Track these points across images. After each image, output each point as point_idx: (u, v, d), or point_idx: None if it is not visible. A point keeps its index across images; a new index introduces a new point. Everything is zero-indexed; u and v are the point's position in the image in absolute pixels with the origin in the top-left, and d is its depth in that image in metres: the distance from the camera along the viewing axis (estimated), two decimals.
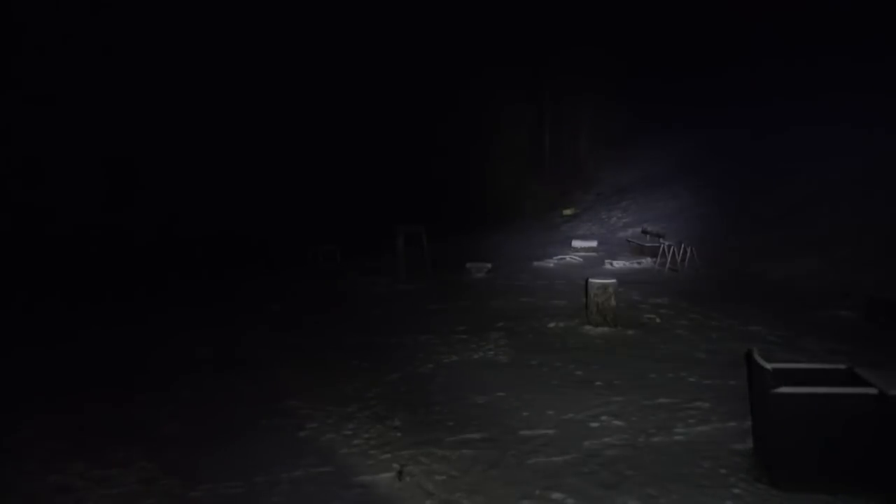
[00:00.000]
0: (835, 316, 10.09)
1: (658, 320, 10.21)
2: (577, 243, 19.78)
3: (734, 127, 23.07)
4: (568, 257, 18.27)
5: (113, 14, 20.16)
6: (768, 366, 4.66)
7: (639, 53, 26.28)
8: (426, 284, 15.01)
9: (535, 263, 17.63)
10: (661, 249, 16.09)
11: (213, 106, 22.07)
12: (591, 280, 10.11)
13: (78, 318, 12.69)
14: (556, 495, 4.62)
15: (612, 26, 26.74)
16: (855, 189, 15.84)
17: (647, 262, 16.72)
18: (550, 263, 17.65)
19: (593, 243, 19.73)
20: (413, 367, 8.10)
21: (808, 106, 19.40)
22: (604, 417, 6.09)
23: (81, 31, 19.46)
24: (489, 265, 16.51)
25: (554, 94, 29.73)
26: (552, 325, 10.08)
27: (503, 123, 29.29)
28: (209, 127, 21.92)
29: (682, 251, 15.66)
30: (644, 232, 19.02)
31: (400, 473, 5.06)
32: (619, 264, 16.65)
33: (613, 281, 10.04)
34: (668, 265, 15.61)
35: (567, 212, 25.91)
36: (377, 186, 25.27)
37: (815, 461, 4.44)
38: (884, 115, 16.66)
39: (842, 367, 4.86)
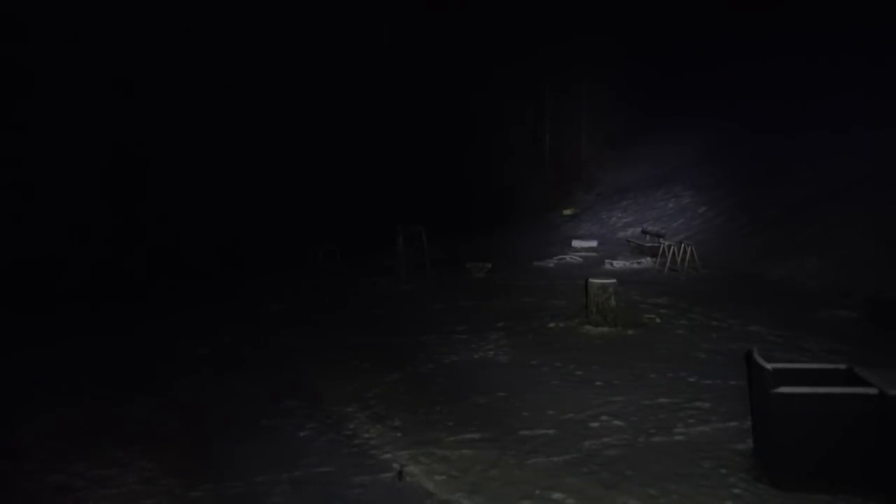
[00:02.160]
0: (835, 316, 10.09)
1: (658, 320, 10.21)
2: (577, 243, 19.78)
3: (734, 128, 23.07)
4: (568, 257, 18.27)
5: (113, 14, 20.16)
6: (768, 366, 4.66)
7: (639, 52, 26.26)
8: (426, 284, 15.01)
9: (535, 263, 17.63)
10: (661, 249, 16.08)
11: (214, 106, 22.08)
12: (591, 280, 10.10)
13: (77, 318, 12.69)
14: (556, 495, 4.62)
15: (613, 23, 26.72)
16: (855, 189, 15.84)
17: (647, 262, 16.72)
18: (550, 263, 17.64)
19: (593, 243, 19.73)
20: (413, 367, 8.10)
21: (808, 107, 19.40)
22: (604, 417, 6.09)
23: (81, 30, 19.47)
24: (489, 265, 16.51)
25: (554, 94, 29.73)
26: (552, 325, 10.08)
27: (503, 123, 29.29)
28: (210, 127, 21.92)
29: (682, 251, 15.65)
30: (644, 232, 19.02)
31: (400, 473, 5.06)
32: (619, 264, 16.64)
33: (613, 281, 10.04)
34: (668, 265, 15.61)
35: (567, 212, 25.91)
36: (377, 186, 25.27)
37: (815, 461, 4.44)
38: (885, 117, 16.66)
39: (842, 367, 4.86)
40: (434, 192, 25.33)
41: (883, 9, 18.17)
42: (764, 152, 20.77)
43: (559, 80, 29.16)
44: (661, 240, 16.55)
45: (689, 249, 15.63)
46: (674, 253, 15.68)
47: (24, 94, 18.03)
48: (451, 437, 5.75)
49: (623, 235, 20.77)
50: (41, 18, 18.80)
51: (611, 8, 26.71)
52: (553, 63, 28.58)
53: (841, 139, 17.93)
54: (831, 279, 12.20)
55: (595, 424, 5.93)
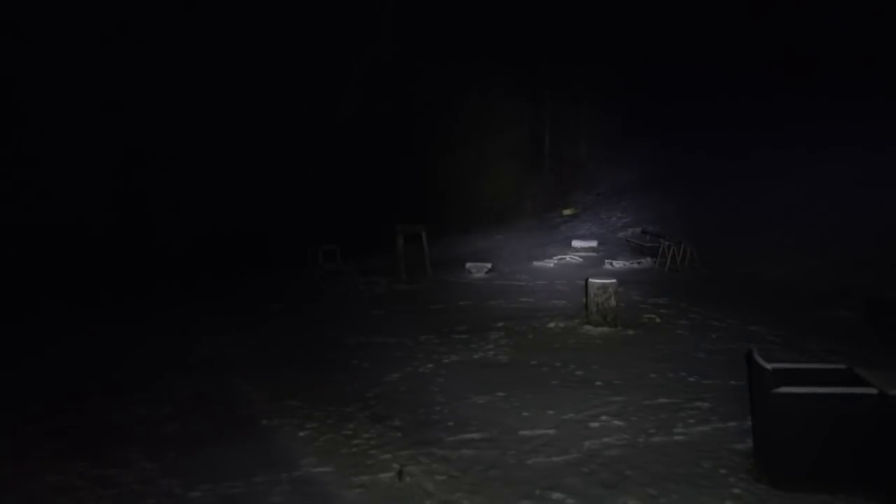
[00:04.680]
0: (834, 316, 10.10)
1: (658, 320, 10.22)
2: (577, 243, 19.79)
3: (732, 133, 23.08)
4: (568, 257, 18.28)
5: (112, 12, 20.15)
6: (768, 366, 4.66)
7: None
8: (426, 284, 15.01)
9: (535, 263, 17.64)
10: (661, 249, 16.09)
11: (213, 105, 22.06)
12: (591, 280, 10.11)
13: (77, 317, 12.69)
14: (556, 495, 4.62)
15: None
16: (853, 190, 15.87)
17: (647, 262, 16.73)
18: (550, 263, 17.65)
19: (593, 243, 19.74)
20: (413, 367, 8.10)
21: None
22: (604, 417, 6.09)
23: (81, 27, 19.46)
24: (489, 265, 16.53)
25: (554, 94, 29.73)
26: (552, 325, 10.08)
27: (503, 123, 29.27)
28: (209, 126, 21.91)
29: (682, 251, 15.66)
30: (644, 232, 19.03)
31: (400, 473, 5.06)
32: (619, 264, 16.65)
33: (613, 281, 10.05)
34: (668, 265, 15.61)
35: (567, 212, 25.90)
36: (377, 186, 25.26)
37: (815, 461, 4.44)
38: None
39: (842, 367, 4.86)
40: (434, 193, 25.32)
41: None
42: (763, 154, 20.79)
43: (559, 80, 29.16)
44: (661, 240, 16.56)
45: (688, 249, 15.64)
46: (674, 253, 15.69)
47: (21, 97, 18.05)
48: (451, 437, 5.74)
49: (623, 235, 20.76)
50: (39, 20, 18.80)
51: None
52: (553, 63, 28.60)
53: (838, 145, 18.03)
54: (831, 279, 12.21)
55: (595, 424, 5.93)
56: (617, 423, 5.94)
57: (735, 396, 6.28)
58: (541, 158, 30.22)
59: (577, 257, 18.32)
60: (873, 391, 4.32)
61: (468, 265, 16.57)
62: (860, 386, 4.47)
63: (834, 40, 20.14)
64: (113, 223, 19.46)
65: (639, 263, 16.70)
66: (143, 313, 13.02)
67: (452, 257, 17.42)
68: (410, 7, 26.50)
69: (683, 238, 16.24)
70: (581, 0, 27.04)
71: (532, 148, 30.23)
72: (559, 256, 18.32)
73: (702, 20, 24.26)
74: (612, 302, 9.81)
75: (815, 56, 20.47)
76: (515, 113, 29.45)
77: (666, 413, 6.14)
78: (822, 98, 19.51)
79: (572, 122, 29.75)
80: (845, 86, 19.02)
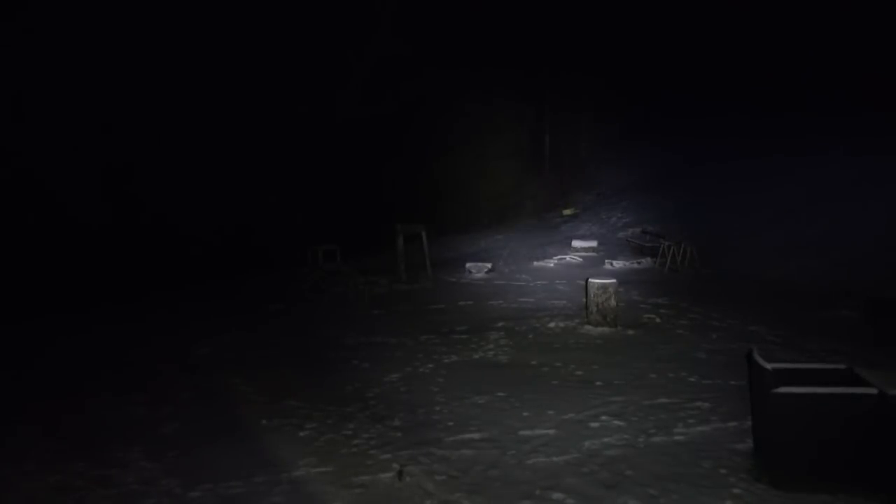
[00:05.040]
0: (834, 316, 10.10)
1: (658, 320, 10.22)
2: (577, 243, 19.79)
3: (730, 133, 23.07)
4: (568, 257, 18.28)
5: (111, 12, 20.16)
6: (768, 366, 4.66)
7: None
8: (426, 284, 15.01)
9: (535, 263, 17.65)
10: (661, 249, 16.09)
11: (213, 106, 22.07)
12: (591, 280, 10.11)
13: (77, 318, 12.69)
14: (556, 495, 4.62)
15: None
16: (852, 190, 15.86)
17: (647, 262, 16.73)
18: (550, 263, 17.65)
19: (593, 243, 19.74)
20: (413, 367, 8.10)
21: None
22: (604, 417, 6.09)
23: (76, 28, 19.46)
24: (489, 265, 16.53)
25: (554, 93, 29.73)
26: (552, 325, 10.08)
27: (503, 124, 29.28)
28: (208, 127, 21.92)
29: (682, 251, 15.66)
30: (644, 232, 19.03)
31: (400, 473, 5.06)
32: (619, 264, 16.66)
33: (613, 281, 10.05)
34: (668, 265, 15.61)
35: (567, 212, 25.91)
36: (377, 186, 25.28)
37: (815, 461, 4.44)
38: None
39: (842, 367, 4.86)
40: (434, 193, 25.34)
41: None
42: (762, 154, 20.78)
43: (560, 80, 29.16)
44: (661, 240, 16.57)
45: (688, 249, 15.64)
46: (674, 253, 15.69)
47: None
48: (451, 437, 5.74)
49: (623, 235, 20.76)
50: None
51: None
52: (554, 64, 28.61)
53: (836, 145, 18.06)
54: (831, 279, 12.21)
55: (595, 424, 5.93)
56: (617, 423, 5.94)
57: (735, 396, 6.28)
58: (541, 158, 30.21)
59: (577, 257, 18.32)
60: (873, 391, 4.32)
61: (468, 265, 16.57)
62: (860, 386, 4.47)
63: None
64: (114, 224, 19.46)
65: (639, 263, 16.71)
66: (144, 313, 13.03)
67: (452, 257, 17.43)
68: (411, 8, 26.50)
69: (683, 238, 16.25)
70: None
71: (532, 148, 30.23)
72: (559, 256, 18.32)
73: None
74: (612, 302, 9.81)
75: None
76: (516, 113, 29.45)
77: (666, 413, 6.14)
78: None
79: (572, 122, 29.73)
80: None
